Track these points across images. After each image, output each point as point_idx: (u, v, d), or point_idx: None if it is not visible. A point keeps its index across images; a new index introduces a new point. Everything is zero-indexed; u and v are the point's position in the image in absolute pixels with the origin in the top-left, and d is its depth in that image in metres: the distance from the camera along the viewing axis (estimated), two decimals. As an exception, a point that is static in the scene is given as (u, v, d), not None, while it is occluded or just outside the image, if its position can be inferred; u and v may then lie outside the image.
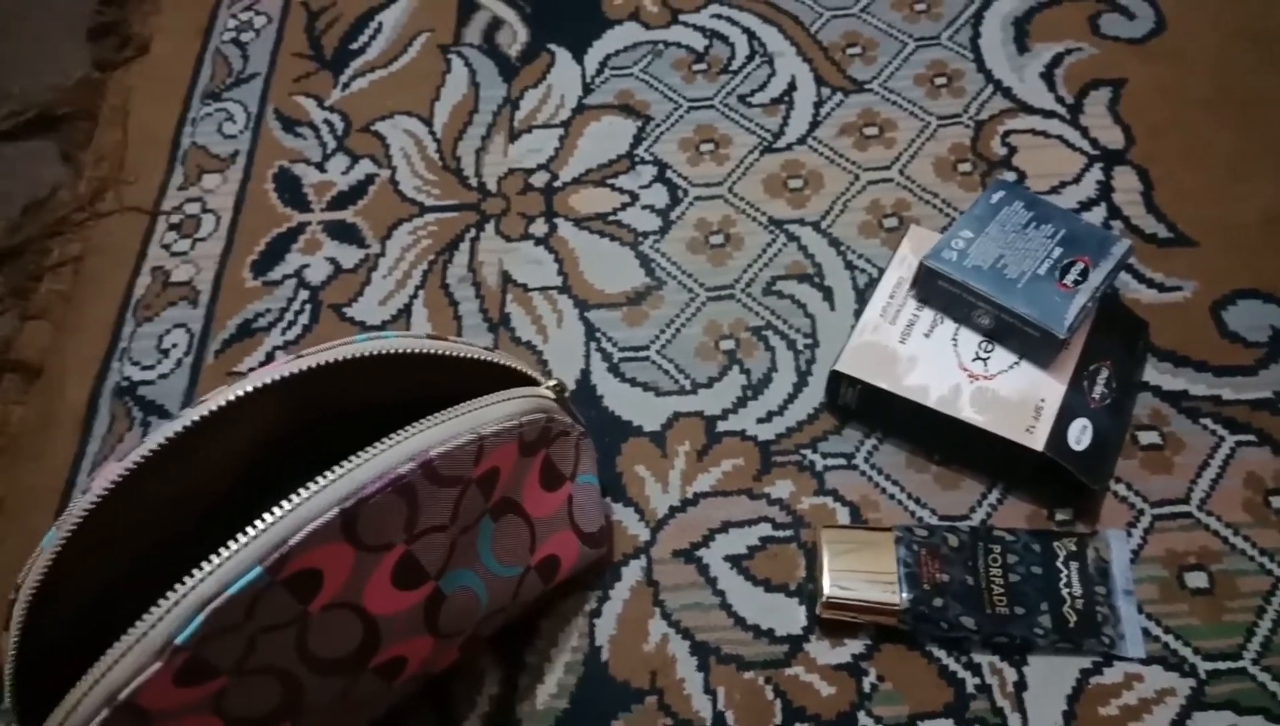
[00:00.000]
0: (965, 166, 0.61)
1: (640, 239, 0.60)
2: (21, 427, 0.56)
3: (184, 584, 0.33)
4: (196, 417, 0.37)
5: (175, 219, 0.64)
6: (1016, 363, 0.50)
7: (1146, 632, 0.46)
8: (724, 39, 0.68)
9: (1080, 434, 0.48)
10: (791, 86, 0.66)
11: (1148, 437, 0.51)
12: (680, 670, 0.47)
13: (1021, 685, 0.45)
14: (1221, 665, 0.45)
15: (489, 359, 0.43)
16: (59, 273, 0.62)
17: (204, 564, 0.33)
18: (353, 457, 0.36)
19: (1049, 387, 0.49)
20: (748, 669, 0.47)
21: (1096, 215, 0.59)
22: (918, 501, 0.50)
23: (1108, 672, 0.45)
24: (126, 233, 0.63)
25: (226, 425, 0.38)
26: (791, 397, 0.54)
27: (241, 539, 0.33)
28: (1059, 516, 0.50)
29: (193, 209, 0.64)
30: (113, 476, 0.36)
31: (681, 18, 0.70)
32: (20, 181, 0.66)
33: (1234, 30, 0.66)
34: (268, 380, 0.38)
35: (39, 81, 0.70)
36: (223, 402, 0.37)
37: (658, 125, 0.65)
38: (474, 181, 0.64)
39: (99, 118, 0.68)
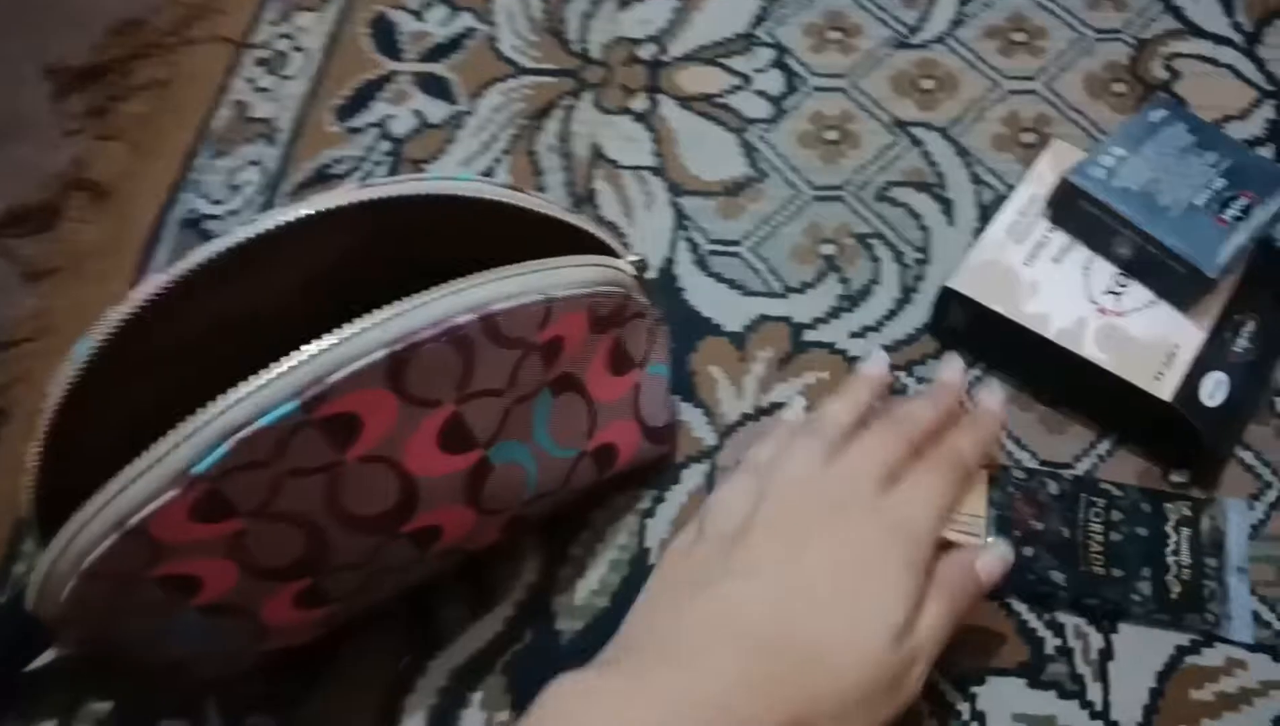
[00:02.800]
0: (1120, 87, 0.55)
1: (747, 126, 0.56)
2: (85, 248, 0.54)
3: (209, 408, 0.30)
4: (253, 234, 0.34)
5: (264, 54, 0.61)
6: (1153, 301, 0.44)
7: (1257, 616, 0.41)
8: (866, -79, 0.62)
9: (1214, 389, 0.43)
10: (936, -21, 0.60)
11: (1288, 406, 0.46)
12: (733, 585, 0.43)
13: (1107, 654, 0.41)
14: (1342, 664, 0.40)
15: (569, 220, 0.39)
16: (141, 95, 0.59)
17: (233, 389, 0.30)
18: (408, 299, 0.32)
19: (1186, 333, 0.44)
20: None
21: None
22: (1018, 442, 0.46)
23: (1207, 654, 0.41)
24: (213, 63, 0.61)
25: (284, 248, 0.35)
26: (892, 314, 0.49)
27: (277, 368, 0.30)
28: (1174, 478, 0.44)
29: (282, 45, 0.61)
30: (157, 286, 0.34)
31: (822, -106, 0.64)
32: (113, 1, 0.63)
33: None
34: (332, 205, 0.35)
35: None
36: (281, 222, 0.34)
37: (783, 6, 0.59)
38: (577, 47, 0.59)
39: (197, -58, 0.65)
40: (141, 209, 0.55)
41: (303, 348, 0.31)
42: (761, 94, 0.56)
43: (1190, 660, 0.41)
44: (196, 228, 0.54)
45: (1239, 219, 0.43)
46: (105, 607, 0.32)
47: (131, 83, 0.60)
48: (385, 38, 0.61)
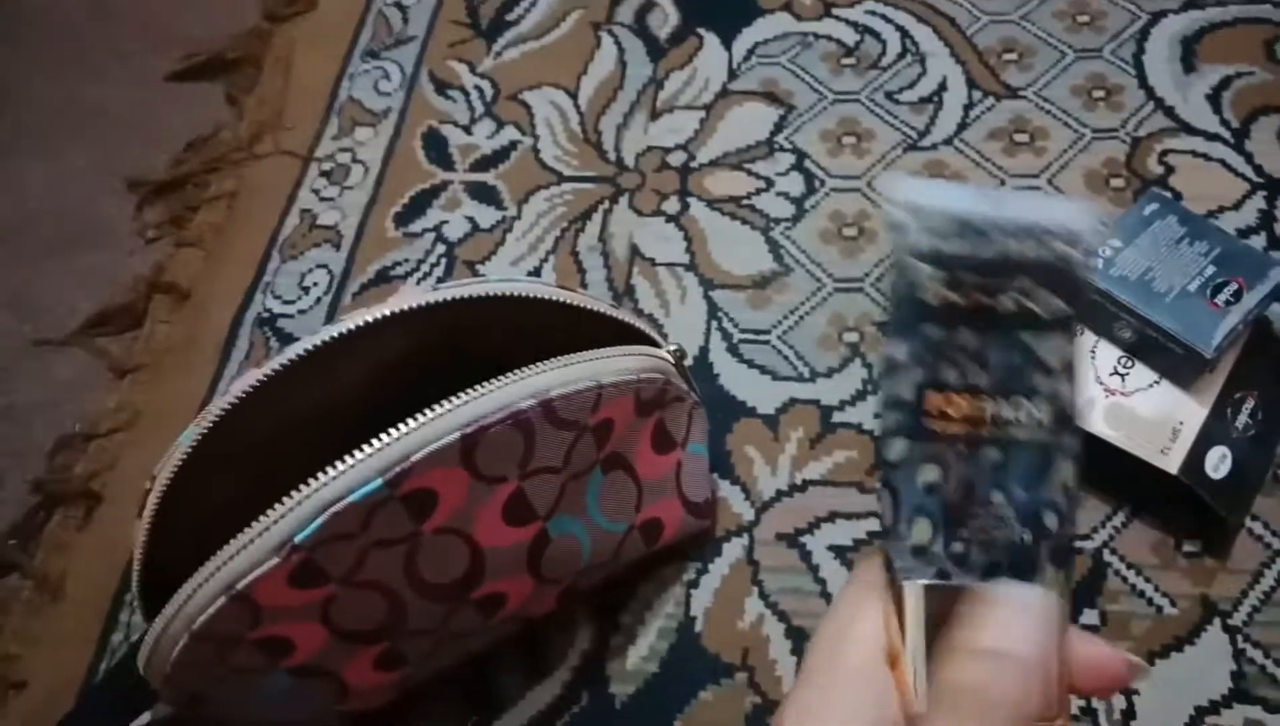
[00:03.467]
0: (1118, 182, 0.59)
1: (772, 225, 0.60)
2: (167, 345, 0.59)
3: (308, 485, 0.34)
4: (335, 334, 0.38)
5: (327, 166, 0.66)
6: (1156, 382, 0.48)
7: (1273, 678, 0.44)
8: (876, 35, 0.68)
9: (1219, 462, 0.46)
10: (942, 87, 0.65)
11: (1291, 476, 0.49)
12: (773, 651, 0.46)
13: (1130, 714, 0.43)
14: (1353, 720, 0.42)
15: (613, 314, 0.43)
16: (214, 206, 0.65)
17: (328, 469, 0.34)
18: (477, 387, 0.36)
19: (1189, 410, 0.47)
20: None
21: (1255, 244, 0.56)
22: (1035, 513, 0.49)
23: (1226, 715, 0.43)
24: (280, 175, 0.66)
25: (361, 347, 0.39)
26: (912, 396, 0.53)
27: (366, 449, 0.34)
28: (1186, 548, 0.47)
29: (344, 158, 0.66)
30: (252, 381, 0.38)
31: (835, 11, 0.69)
32: (188, 119, 0.70)
33: None
34: (405, 307, 0.39)
35: (213, 28, 0.74)
36: (360, 323, 0.38)
37: (800, 115, 0.65)
38: (612, 156, 0.64)
39: (264, 66, 0.72)
40: (218, 309, 0.60)
41: (387, 432, 0.35)
42: (784, 195, 0.61)
43: (1211, 720, 0.43)
44: (271, 326, 0.59)
45: (1230, 303, 0.47)
46: (208, 667, 0.36)
47: (206, 194, 0.66)
48: (438, 150, 0.66)
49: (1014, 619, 0.25)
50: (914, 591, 0.25)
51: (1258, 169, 0.59)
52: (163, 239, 0.64)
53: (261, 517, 0.34)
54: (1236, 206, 0.58)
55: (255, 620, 0.35)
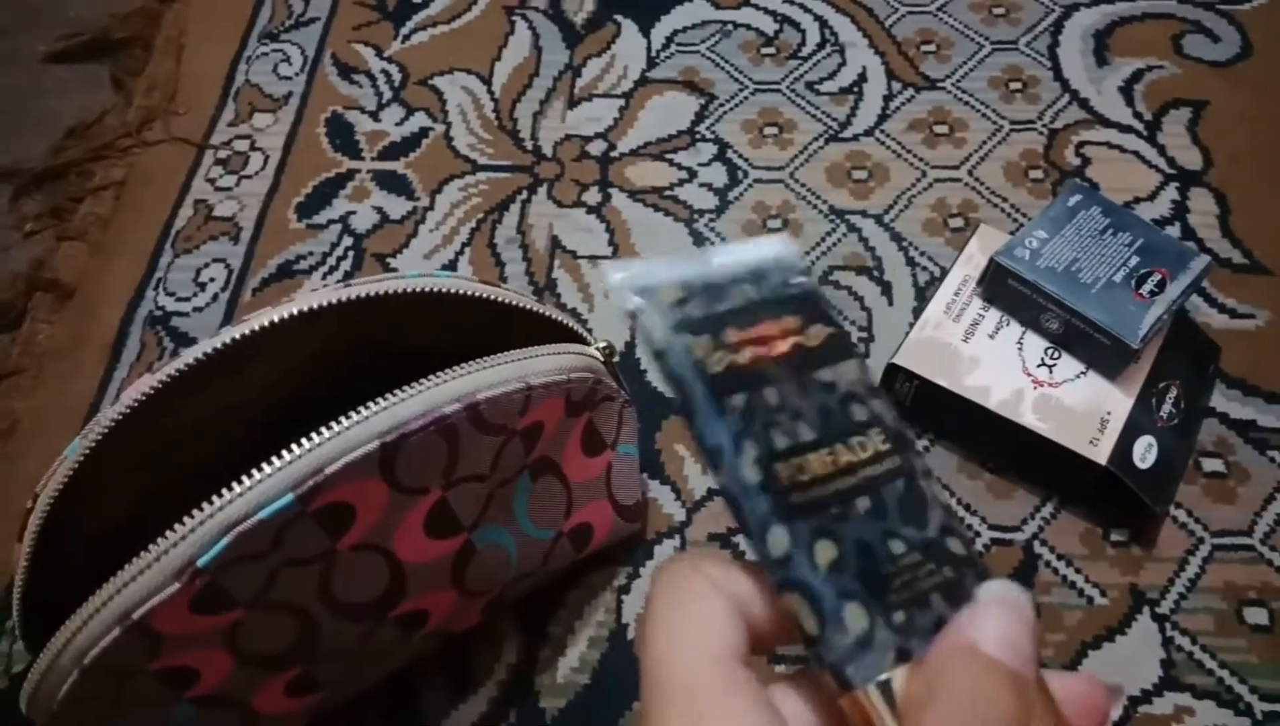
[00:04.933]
0: (1037, 173, 0.60)
1: (695, 216, 0.59)
2: (49, 348, 0.54)
3: (211, 504, 0.31)
4: (238, 335, 0.35)
5: (223, 154, 0.62)
6: (1083, 372, 0.48)
7: (1200, 665, 0.44)
8: (795, 25, 0.67)
9: (1145, 452, 0.46)
10: (862, 78, 0.64)
11: (1211, 465, 0.49)
12: (707, 657, 0.45)
13: (1064, 707, 0.43)
14: (1279, 706, 0.43)
15: (539, 310, 0.41)
16: (100, 196, 0.60)
17: (234, 485, 0.31)
18: (397, 392, 0.34)
19: (1116, 400, 0.47)
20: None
21: (1170, 235, 0.57)
22: (968, 508, 0.48)
23: (1157, 703, 0.43)
24: (172, 163, 0.62)
25: (268, 348, 0.36)
26: (841, 390, 0.52)
27: (276, 463, 0.32)
28: (1114, 537, 0.47)
29: (241, 146, 0.63)
30: (146, 388, 0.35)
31: (753, 0, 0.68)
32: (69, 104, 0.65)
33: (1323, 61, 0.64)
34: (315, 305, 0.36)
35: (96, 6, 0.69)
36: (266, 323, 0.35)
37: (721, 104, 0.63)
38: (529, 144, 0.62)
39: (154, 47, 0.67)
40: (106, 308, 0.55)
41: (299, 442, 0.32)
42: (707, 186, 0.60)
43: (1143, 709, 0.43)
44: (164, 325, 0.55)
45: (1155, 293, 0.47)
46: (102, 702, 0.32)
47: (91, 184, 0.61)
48: (343, 137, 0.63)
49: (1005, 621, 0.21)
50: (883, 689, 0.21)
51: (1170, 161, 0.60)
52: (43, 232, 0.59)
53: (160, 539, 0.31)
54: (1151, 198, 0.58)
55: (154, 650, 0.32)
